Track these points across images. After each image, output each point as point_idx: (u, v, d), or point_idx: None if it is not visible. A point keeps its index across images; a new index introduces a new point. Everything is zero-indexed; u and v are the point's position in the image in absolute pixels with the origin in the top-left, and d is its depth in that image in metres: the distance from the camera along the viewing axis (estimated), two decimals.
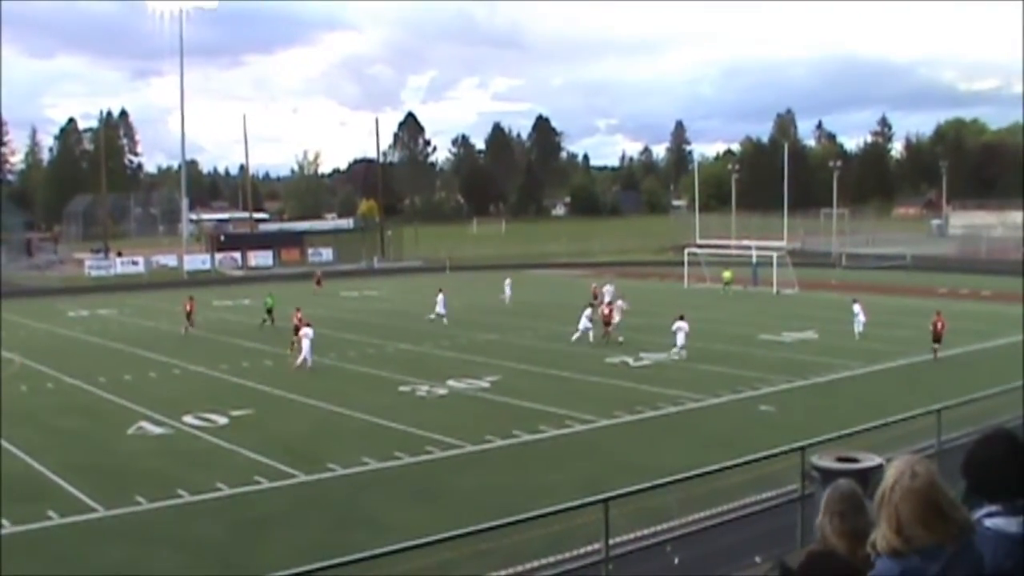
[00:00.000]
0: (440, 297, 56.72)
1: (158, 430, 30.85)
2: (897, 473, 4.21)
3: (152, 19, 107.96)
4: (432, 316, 55.96)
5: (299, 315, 45.36)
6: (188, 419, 31.95)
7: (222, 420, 31.86)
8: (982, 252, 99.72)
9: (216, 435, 30.03)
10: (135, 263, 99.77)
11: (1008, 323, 49.61)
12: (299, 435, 29.94)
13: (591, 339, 47.52)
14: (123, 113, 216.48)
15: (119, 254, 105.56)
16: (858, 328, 47.68)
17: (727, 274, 71.37)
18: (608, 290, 57.22)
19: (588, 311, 49.21)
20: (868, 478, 4.48)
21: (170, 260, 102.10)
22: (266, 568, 14.87)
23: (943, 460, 16.12)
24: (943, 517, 4.06)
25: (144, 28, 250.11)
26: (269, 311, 55.37)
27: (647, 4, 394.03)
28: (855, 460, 13.08)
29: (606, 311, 49.81)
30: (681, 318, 43.64)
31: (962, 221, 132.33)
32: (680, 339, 43.06)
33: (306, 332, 42.55)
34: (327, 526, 21.30)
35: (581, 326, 47.88)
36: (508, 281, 66.57)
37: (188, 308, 55.08)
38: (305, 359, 42.09)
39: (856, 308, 48.30)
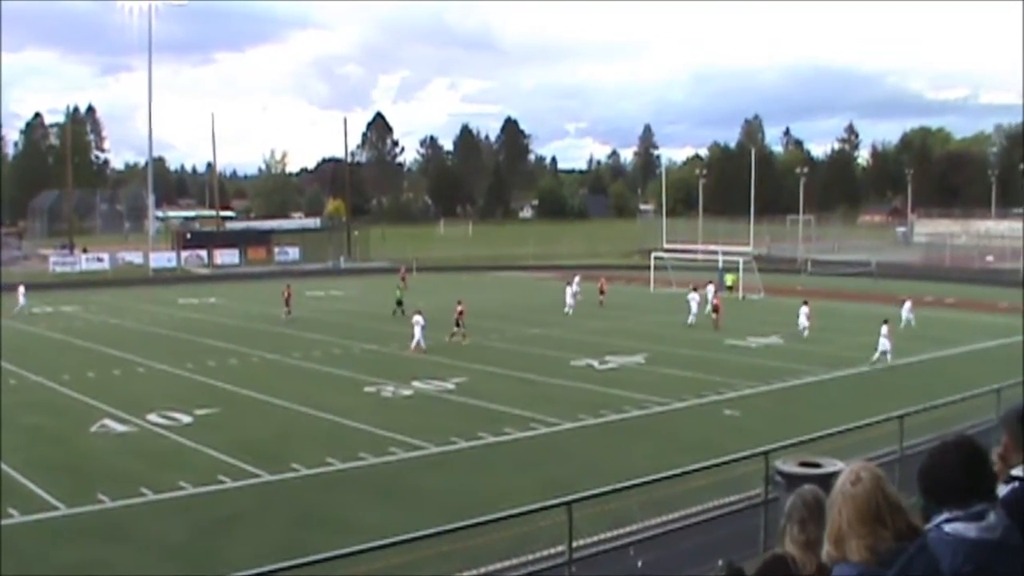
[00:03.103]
0: (569, 288, 61.67)
1: (121, 428, 30.69)
2: (842, 479, 4.26)
3: (122, 14, 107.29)
4: (567, 308, 60.40)
5: (460, 307, 48.84)
6: (152, 417, 31.80)
7: (186, 419, 31.73)
8: (946, 260, 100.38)
9: (180, 434, 29.90)
10: (100, 260, 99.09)
11: (971, 330, 49.99)
12: (264, 435, 29.83)
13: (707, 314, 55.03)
14: (90, 108, 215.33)
15: (84, 250, 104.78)
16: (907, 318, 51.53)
17: (730, 278, 71.21)
18: (710, 288, 60.69)
19: (695, 295, 56.95)
20: (831, 483, 4.51)
21: (136, 257, 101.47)
22: (230, 568, 14.82)
23: (905, 466, 16.26)
24: (881, 523, 4.08)
25: (114, 23, 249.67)
26: (399, 302, 58.30)
27: (619, 9, 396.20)
28: (818, 465, 13.17)
29: (716, 302, 56.18)
30: (885, 322, 43.00)
31: (927, 229, 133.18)
32: (883, 343, 42.23)
33: (417, 320, 45.81)
34: (291, 526, 21.26)
35: (694, 310, 55.91)
36: (577, 279, 66.33)
37: (286, 295, 59.31)
38: (419, 342, 45.33)
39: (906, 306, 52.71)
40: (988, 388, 22.58)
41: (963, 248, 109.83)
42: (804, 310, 50.81)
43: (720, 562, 5.79)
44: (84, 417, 31.97)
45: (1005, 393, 20.95)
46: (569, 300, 61.10)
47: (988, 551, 4.50)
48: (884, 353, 41.94)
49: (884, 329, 42.28)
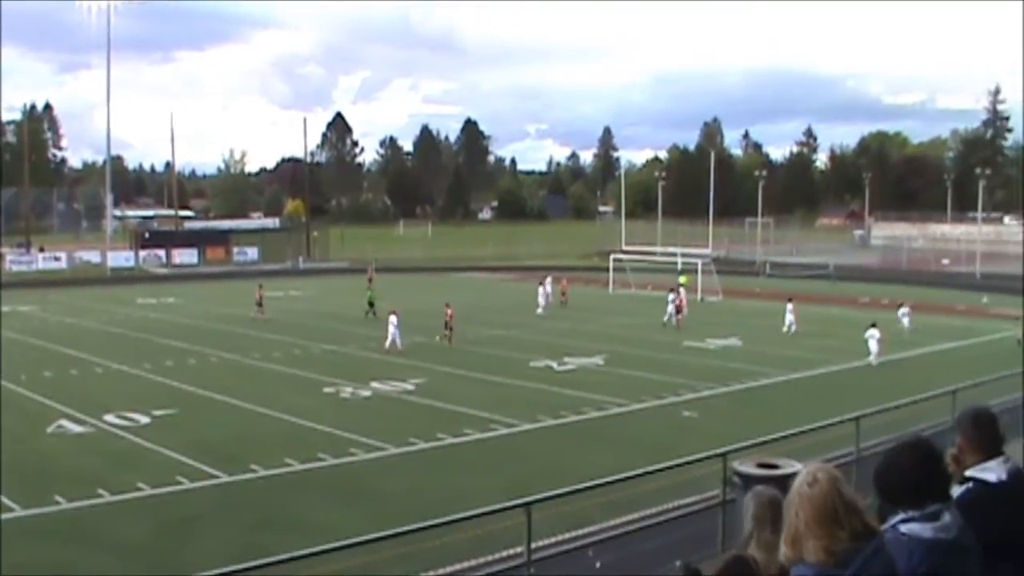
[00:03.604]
0: (541, 289, 62.05)
1: (79, 428, 30.48)
2: (799, 480, 4.30)
3: (80, 11, 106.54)
4: (539, 310, 60.78)
5: (450, 311, 49.02)
6: (109, 418, 31.60)
7: (144, 419, 31.54)
8: (903, 263, 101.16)
9: (138, 434, 29.73)
10: (57, 259, 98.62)
11: (928, 333, 50.29)
12: (222, 435, 29.71)
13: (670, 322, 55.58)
14: (47, 106, 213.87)
15: (41, 249, 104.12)
16: (906, 325, 50.56)
17: (683, 278, 71.03)
18: (681, 290, 61.12)
19: (672, 295, 57.37)
20: (788, 484, 4.56)
21: (93, 256, 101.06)
22: (189, 569, 14.79)
23: (862, 467, 16.39)
24: (838, 524, 4.12)
25: (73, 21, 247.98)
26: (371, 303, 58.14)
27: (581, 11, 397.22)
28: (776, 466, 13.25)
29: (679, 302, 56.80)
30: (873, 325, 43.05)
31: (884, 232, 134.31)
32: (873, 346, 42.41)
33: (392, 320, 46.20)
34: (250, 527, 21.19)
35: (671, 311, 56.34)
36: (548, 280, 66.15)
37: (259, 295, 59.47)
38: (395, 342, 45.66)
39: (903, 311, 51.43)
40: (944, 390, 22.77)
41: (920, 251, 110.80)
42: (790, 307, 51.68)
43: (678, 563, 5.85)
44: (41, 418, 31.71)
45: (961, 395, 21.14)
46: (541, 301, 61.35)
47: (943, 551, 4.56)
48: (876, 356, 42.30)
49: (877, 333, 42.55)
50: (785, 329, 51.00)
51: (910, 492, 4.68)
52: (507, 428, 30.76)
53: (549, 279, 65.62)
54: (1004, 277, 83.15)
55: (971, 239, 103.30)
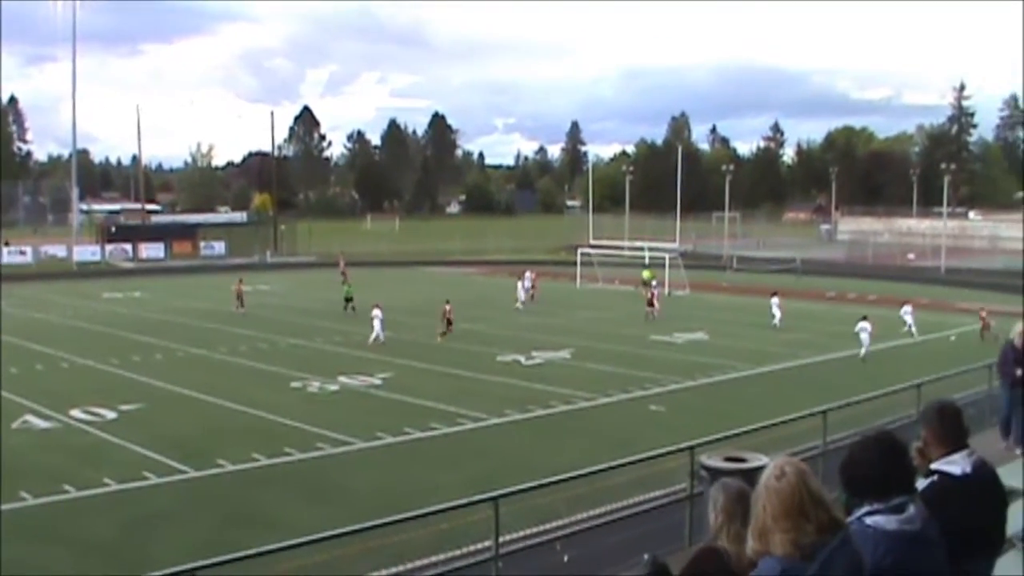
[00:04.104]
0: (520, 283, 63.19)
1: (44, 424, 30.30)
2: (767, 474, 4.32)
3: (46, 5, 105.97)
4: (518, 305, 61.16)
5: (448, 307, 49.14)
6: (75, 413, 31.42)
7: (110, 414, 31.38)
8: (869, 257, 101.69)
9: (104, 430, 29.58)
10: (23, 253, 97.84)
11: (893, 327, 50.48)
12: (189, 430, 29.56)
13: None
14: (12, 99, 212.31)
15: (6, 243, 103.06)
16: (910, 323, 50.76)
17: (647, 273, 71.23)
18: (655, 284, 63.00)
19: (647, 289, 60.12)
20: (755, 478, 4.60)
21: (59, 251, 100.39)
22: (155, 565, 14.70)
23: (828, 460, 16.49)
24: (805, 517, 4.13)
25: (39, 14, 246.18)
26: (349, 299, 57.68)
27: (549, 6, 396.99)
28: (743, 460, 13.31)
29: (648, 295, 58.18)
30: (864, 319, 43.37)
31: (850, 227, 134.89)
32: (864, 339, 42.68)
33: (376, 313, 46.40)
34: (217, 523, 21.12)
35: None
36: (528, 274, 66.30)
37: (238, 289, 59.42)
38: (378, 336, 45.91)
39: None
40: (909, 384, 22.92)
41: (885, 246, 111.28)
42: (775, 300, 52.14)
43: (645, 556, 5.85)
44: (6, 413, 31.41)
45: (925, 389, 21.29)
46: (520, 295, 61.87)
47: (908, 543, 4.60)
48: (866, 350, 42.48)
49: (867, 326, 42.78)
50: (775, 323, 51.32)
51: (875, 485, 4.72)
52: (474, 422, 30.78)
53: (528, 273, 65.76)
54: (969, 271, 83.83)
55: (936, 234, 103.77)
